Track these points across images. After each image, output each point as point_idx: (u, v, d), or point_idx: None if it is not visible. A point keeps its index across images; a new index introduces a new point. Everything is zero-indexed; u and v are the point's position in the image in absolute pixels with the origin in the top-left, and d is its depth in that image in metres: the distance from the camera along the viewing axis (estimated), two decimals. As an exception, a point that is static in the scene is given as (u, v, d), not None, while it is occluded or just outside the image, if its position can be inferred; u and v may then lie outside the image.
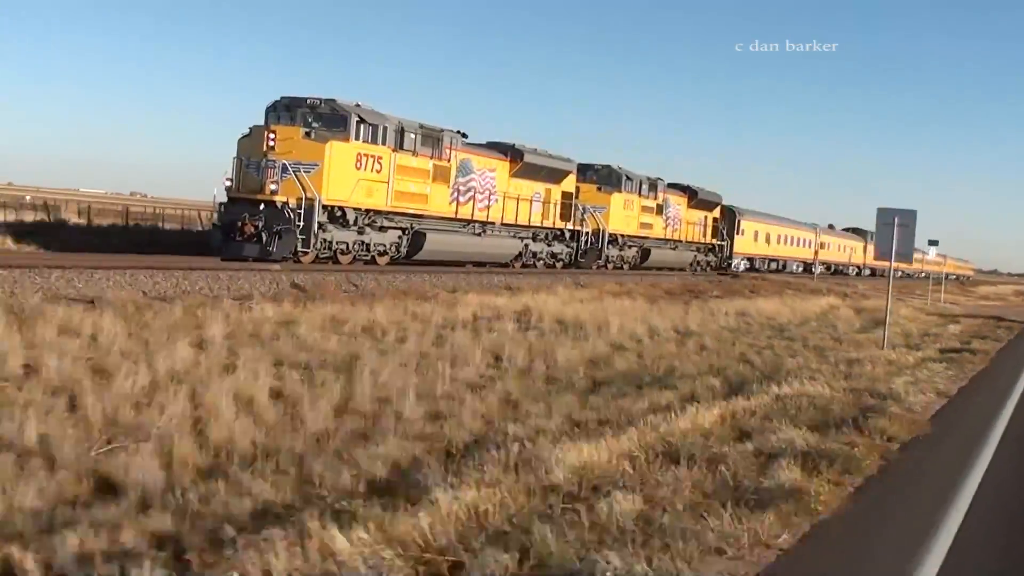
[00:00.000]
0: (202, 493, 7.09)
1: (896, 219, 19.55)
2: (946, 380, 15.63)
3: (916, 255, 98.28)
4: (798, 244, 61.47)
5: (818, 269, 64.50)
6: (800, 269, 61.20)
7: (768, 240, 56.43)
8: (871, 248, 75.32)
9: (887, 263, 20.79)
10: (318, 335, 13.95)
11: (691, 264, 46.51)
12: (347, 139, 23.33)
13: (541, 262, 33.41)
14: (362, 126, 23.75)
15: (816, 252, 64.80)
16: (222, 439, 8.68)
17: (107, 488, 7.38)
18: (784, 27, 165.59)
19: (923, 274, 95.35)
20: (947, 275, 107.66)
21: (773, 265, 57.53)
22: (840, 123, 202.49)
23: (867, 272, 75.03)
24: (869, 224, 79.93)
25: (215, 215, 23.63)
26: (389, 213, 25.15)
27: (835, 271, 68.27)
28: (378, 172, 24.27)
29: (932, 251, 53.71)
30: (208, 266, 19.35)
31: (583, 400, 11.92)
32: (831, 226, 72.03)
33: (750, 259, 54.24)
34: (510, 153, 30.92)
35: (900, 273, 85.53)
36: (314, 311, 15.47)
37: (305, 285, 18.74)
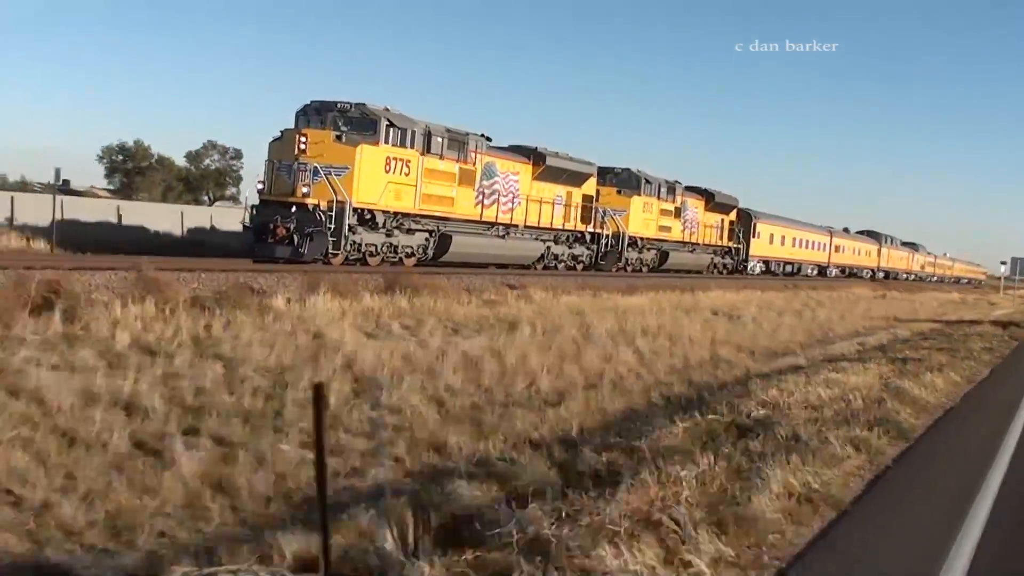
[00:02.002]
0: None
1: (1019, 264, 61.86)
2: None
3: (928, 258, 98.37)
4: (813, 247, 61.68)
5: (833, 272, 64.73)
6: (815, 272, 61.39)
7: (783, 243, 56.63)
8: (886, 251, 76.00)
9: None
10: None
11: (708, 267, 46.77)
12: (377, 143, 23.70)
13: (562, 264, 33.75)
14: (391, 130, 24.13)
15: (830, 255, 65.07)
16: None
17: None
18: (784, 27, 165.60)
19: (935, 277, 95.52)
20: (958, 279, 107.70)
21: (788, 268, 57.71)
22: (847, 124, 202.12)
23: (881, 275, 75.16)
24: (882, 227, 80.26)
25: (247, 217, 24.00)
26: (417, 216, 25.51)
27: (850, 274, 68.40)
28: (406, 175, 24.64)
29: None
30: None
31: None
32: (846, 229, 72.19)
33: (766, 262, 54.47)
34: (532, 156, 31.26)
35: (914, 276, 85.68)
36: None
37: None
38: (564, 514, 6.04)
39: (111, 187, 65.66)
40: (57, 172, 29.45)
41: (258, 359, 11.43)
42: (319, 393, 3.91)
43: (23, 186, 54.31)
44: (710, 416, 10.08)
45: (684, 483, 6.85)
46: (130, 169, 66.21)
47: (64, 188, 35.02)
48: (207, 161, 68.76)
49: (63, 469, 7.36)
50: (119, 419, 8.60)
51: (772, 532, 6.64)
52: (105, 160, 66.73)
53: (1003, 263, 66.38)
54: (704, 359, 16.92)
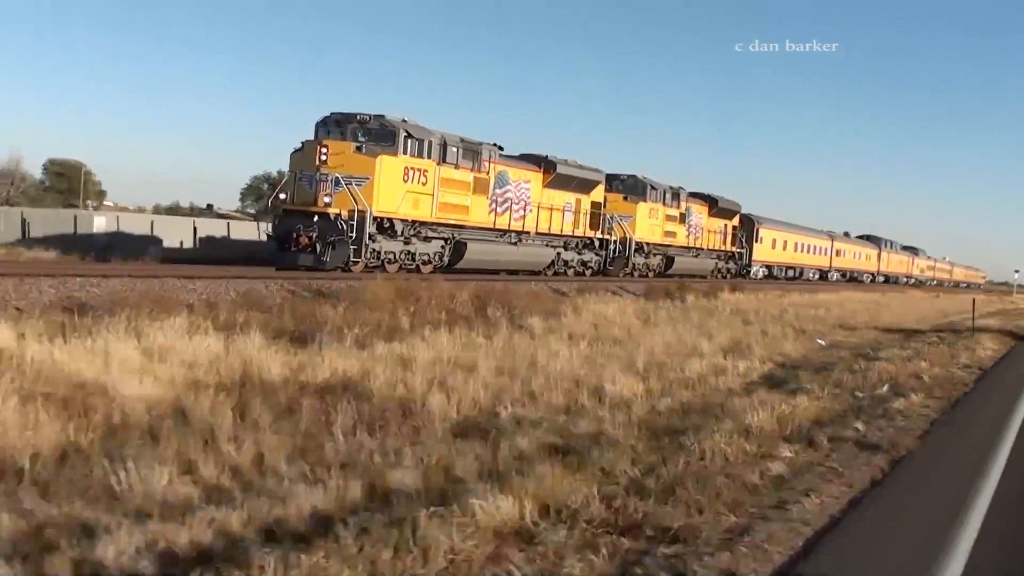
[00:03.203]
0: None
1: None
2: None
3: (927, 262, 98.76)
4: (815, 252, 62.42)
5: (834, 276, 65.44)
6: (816, 276, 62.08)
7: (785, 247, 57.35)
8: (886, 255, 76.73)
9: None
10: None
11: (712, 271, 47.42)
12: (395, 153, 24.27)
13: (572, 270, 34.39)
14: (409, 141, 24.73)
15: (832, 259, 65.80)
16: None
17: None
18: (784, 27, 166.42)
19: (935, 281, 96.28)
20: (957, 283, 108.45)
21: (791, 272, 58.41)
22: (846, 127, 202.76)
23: (881, 279, 75.83)
24: (882, 231, 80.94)
25: (270, 226, 24.62)
26: (433, 224, 26.15)
27: (851, 278, 69.06)
28: (424, 185, 25.27)
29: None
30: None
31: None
32: (846, 233, 72.88)
33: (768, 266, 55.19)
34: (543, 165, 31.85)
35: (913, 280, 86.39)
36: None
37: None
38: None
39: (251, 211, 74.84)
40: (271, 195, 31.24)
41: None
42: (974, 302, 32.95)
43: (192, 211, 60.99)
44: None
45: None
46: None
47: (215, 212, 37.92)
48: None
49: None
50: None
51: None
52: (252, 187, 78.20)
53: (1016, 271, 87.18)
54: (926, 317, 31.87)
